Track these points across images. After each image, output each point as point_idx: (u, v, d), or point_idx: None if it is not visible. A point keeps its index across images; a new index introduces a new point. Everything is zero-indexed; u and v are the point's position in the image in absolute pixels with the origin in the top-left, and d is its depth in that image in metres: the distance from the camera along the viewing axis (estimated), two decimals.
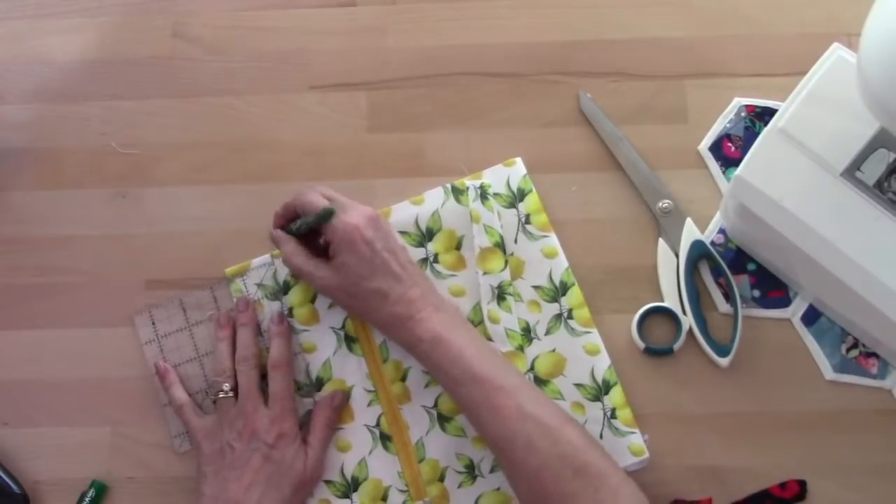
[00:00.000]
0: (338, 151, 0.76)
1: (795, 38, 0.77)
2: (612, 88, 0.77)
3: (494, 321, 0.70)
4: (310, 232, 0.69)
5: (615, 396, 0.69)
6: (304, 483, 0.67)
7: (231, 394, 0.68)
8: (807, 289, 0.70)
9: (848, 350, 0.70)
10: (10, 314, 0.74)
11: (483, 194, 0.73)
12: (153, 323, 0.73)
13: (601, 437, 0.68)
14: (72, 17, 0.81)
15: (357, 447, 0.70)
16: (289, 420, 0.67)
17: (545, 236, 0.72)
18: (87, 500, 0.69)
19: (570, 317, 0.71)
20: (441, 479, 0.69)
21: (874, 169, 0.62)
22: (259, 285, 0.73)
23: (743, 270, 0.72)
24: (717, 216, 0.73)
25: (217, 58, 0.79)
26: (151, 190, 0.76)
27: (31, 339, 0.73)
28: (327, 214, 0.67)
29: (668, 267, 0.71)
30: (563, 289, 0.71)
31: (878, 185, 0.62)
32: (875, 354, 0.69)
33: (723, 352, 0.69)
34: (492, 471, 0.68)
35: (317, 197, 0.69)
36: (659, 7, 0.78)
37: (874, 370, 0.69)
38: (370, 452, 0.70)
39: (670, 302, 0.71)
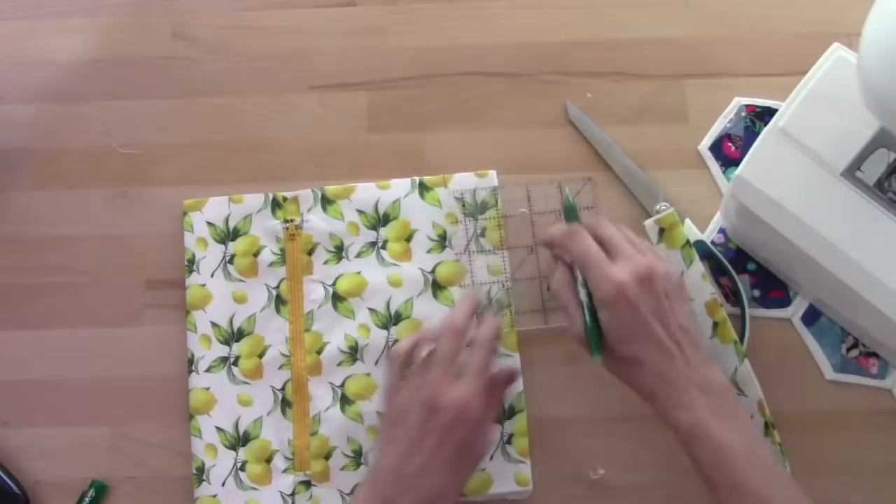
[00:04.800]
0: (338, 151, 0.76)
1: (795, 38, 0.76)
2: (611, 88, 0.77)
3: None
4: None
5: (518, 423, 0.69)
6: (476, 461, 0.63)
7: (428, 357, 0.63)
8: (807, 289, 0.70)
9: (848, 350, 0.70)
10: (10, 314, 0.74)
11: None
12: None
13: (491, 458, 0.68)
14: (72, 17, 0.81)
15: (257, 404, 0.71)
16: (476, 400, 0.60)
17: (494, 253, 0.72)
18: (87, 500, 0.69)
19: None
20: (327, 457, 0.69)
21: (874, 169, 0.62)
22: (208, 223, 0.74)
23: (743, 270, 0.72)
24: (717, 216, 0.73)
25: (217, 58, 0.79)
26: (151, 190, 0.76)
27: (31, 339, 0.73)
28: (500, 307, 0.66)
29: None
30: (499, 307, 0.71)
31: (878, 185, 0.62)
32: (875, 354, 0.69)
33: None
34: None
35: (585, 244, 0.62)
36: (659, 7, 0.78)
37: (874, 370, 0.69)
38: (268, 413, 0.70)
39: None
